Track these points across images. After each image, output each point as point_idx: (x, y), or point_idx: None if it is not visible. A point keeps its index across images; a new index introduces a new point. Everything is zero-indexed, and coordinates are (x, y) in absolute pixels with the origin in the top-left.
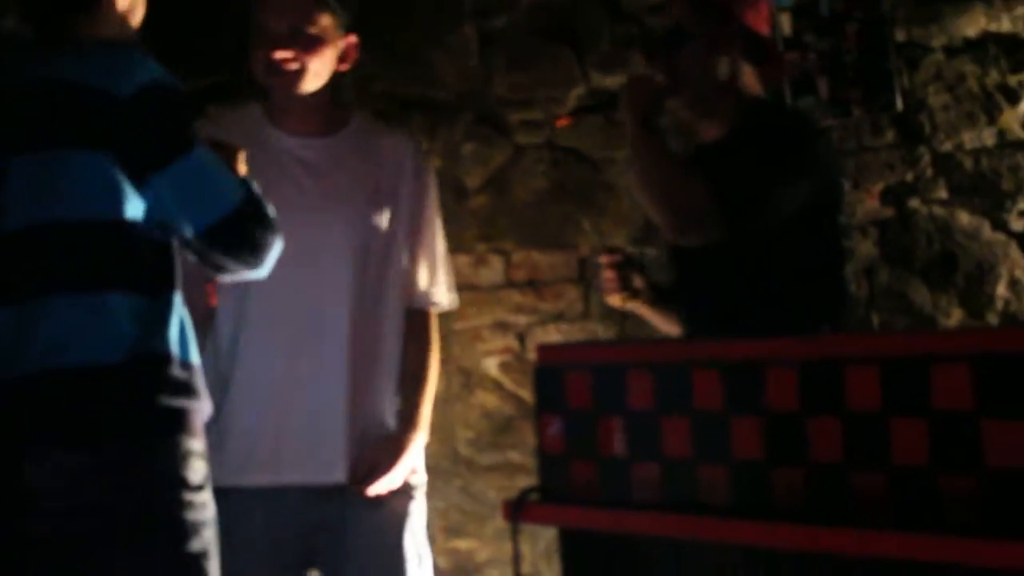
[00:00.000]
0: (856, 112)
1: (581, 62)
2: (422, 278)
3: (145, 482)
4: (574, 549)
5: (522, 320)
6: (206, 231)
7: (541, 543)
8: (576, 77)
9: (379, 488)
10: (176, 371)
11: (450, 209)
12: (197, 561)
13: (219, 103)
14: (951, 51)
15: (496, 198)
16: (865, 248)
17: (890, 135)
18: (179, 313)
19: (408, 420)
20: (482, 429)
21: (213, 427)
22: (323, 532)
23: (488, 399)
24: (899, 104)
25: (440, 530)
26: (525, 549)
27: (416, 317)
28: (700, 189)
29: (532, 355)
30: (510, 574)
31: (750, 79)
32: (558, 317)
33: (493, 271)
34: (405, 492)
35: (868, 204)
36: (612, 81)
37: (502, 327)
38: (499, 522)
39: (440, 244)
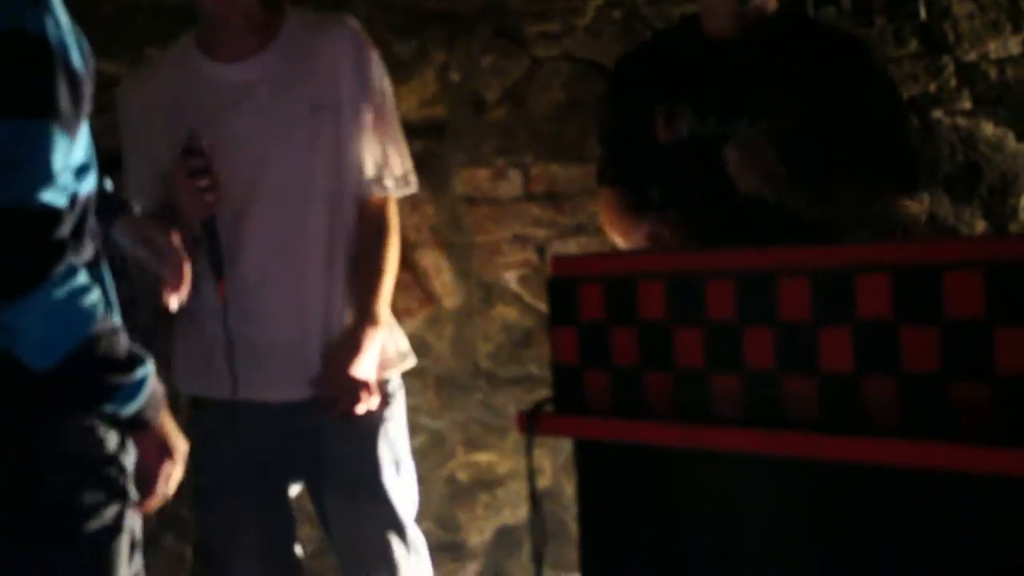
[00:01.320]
0: (879, 21)
1: None
2: (368, 167)
3: (35, 462)
4: (589, 459)
5: (541, 233)
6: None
7: (561, 456)
8: None
9: (346, 400)
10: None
11: (468, 123)
12: (98, 542)
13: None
14: None
15: (514, 111)
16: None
17: (913, 45)
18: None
19: (362, 315)
20: (502, 342)
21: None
22: (300, 443)
23: (508, 312)
24: (922, 13)
25: (460, 443)
26: (545, 462)
27: (367, 208)
28: (875, 182)
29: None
30: (524, 490)
31: None
32: (577, 230)
33: (512, 184)
34: (375, 388)
35: None
36: None
37: (521, 240)
38: (519, 435)
39: (391, 130)
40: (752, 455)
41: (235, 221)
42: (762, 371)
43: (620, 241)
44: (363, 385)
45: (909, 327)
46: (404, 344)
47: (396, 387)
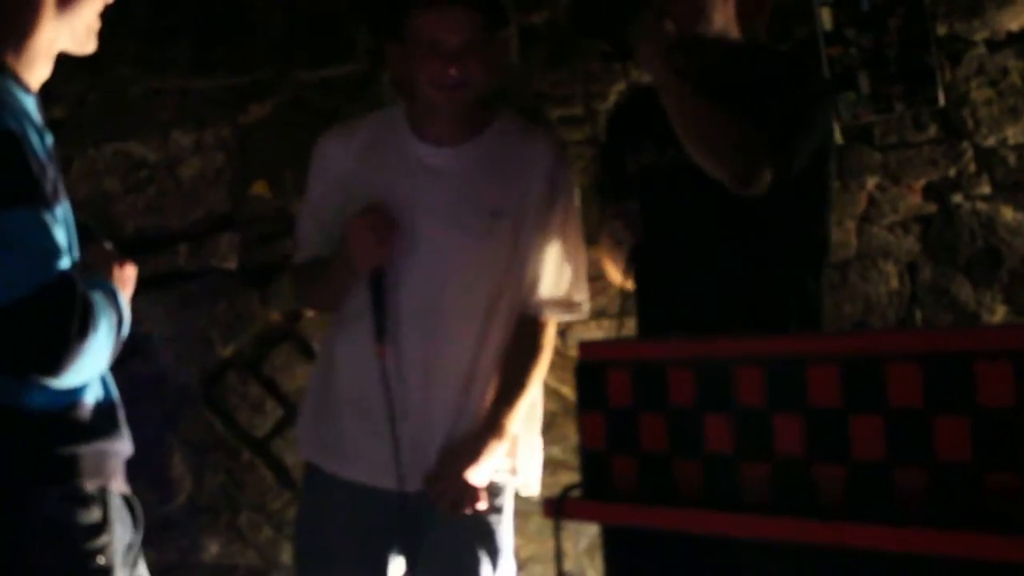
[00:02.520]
0: (898, 107)
1: (621, 58)
2: (543, 286)
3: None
4: (617, 546)
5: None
6: None
7: (584, 540)
8: (616, 73)
9: (450, 499)
10: (24, 427)
11: None
12: None
13: (353, 95)
14: (993, 45)
15: None
16: (908, 244)
17: (932, 130)
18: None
19: (491, 425)
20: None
21: (313, 401)
22: (404, 525)
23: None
24: (941, 99)
25: None
26: (567, 546)
27: (527, 325)
28: (756, 135)
29: (573, 352)
30: (553, 571)
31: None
32: (599, 314)
33: None
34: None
35: (911, 200)
36: None
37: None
38: (541, 519)
39: (572, 251)
40: (782, 543)
41: (396, 296)
42: (792, 458)
43: (614, 276)
44: (474, 491)
45: (941, 416)
46: (532, 467)
47: (505, 483)
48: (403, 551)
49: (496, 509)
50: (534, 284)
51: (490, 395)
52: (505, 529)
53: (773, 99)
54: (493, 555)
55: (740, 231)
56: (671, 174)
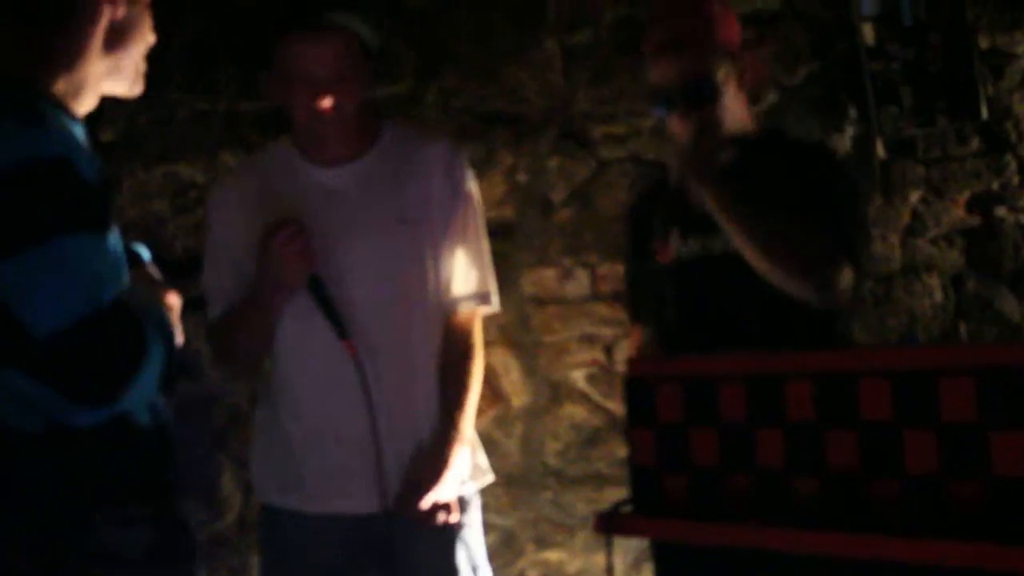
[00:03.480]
0: (941, 121)
1: None
2: (456, 283)
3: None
4: (668, 561)
5: (608, 332)
6: (40, 344)
7: (631, 555)
8: None
9: (424, 509)
10: (88, 449)
11: (536, 223)
12: None
13: (401, 112)
14: None
15: (581, 212)
16: (952, 257)
17: (975, 143)
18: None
19: (448, 432)
20: (570, 441)
21: (263, 443)
22: (371, 552)
23: (576, 411)
24: (984, 112)
25: (530, 541)
26: (616, 560)
27: (453, 325)
28: (820, 241)
29: (619, 367)
30: None
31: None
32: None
33: (579, 284)
34: (454, 500)
35: (954, 213)
36: None
37: (589, 339)
38: (588, 533)
39: (477, 246)
40: (833, 558)
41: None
42: (844, 472)
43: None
44: (445, 504)
45: (996, 431)
46: (484, 460)
47: (472, 495)
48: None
49: (465, 513)
50: (448, 283)
51: (435, 398)
52: (477, 534)
53: (824, 200)
54: (472, 564)
55: (775, 318)
56: (701, 264)
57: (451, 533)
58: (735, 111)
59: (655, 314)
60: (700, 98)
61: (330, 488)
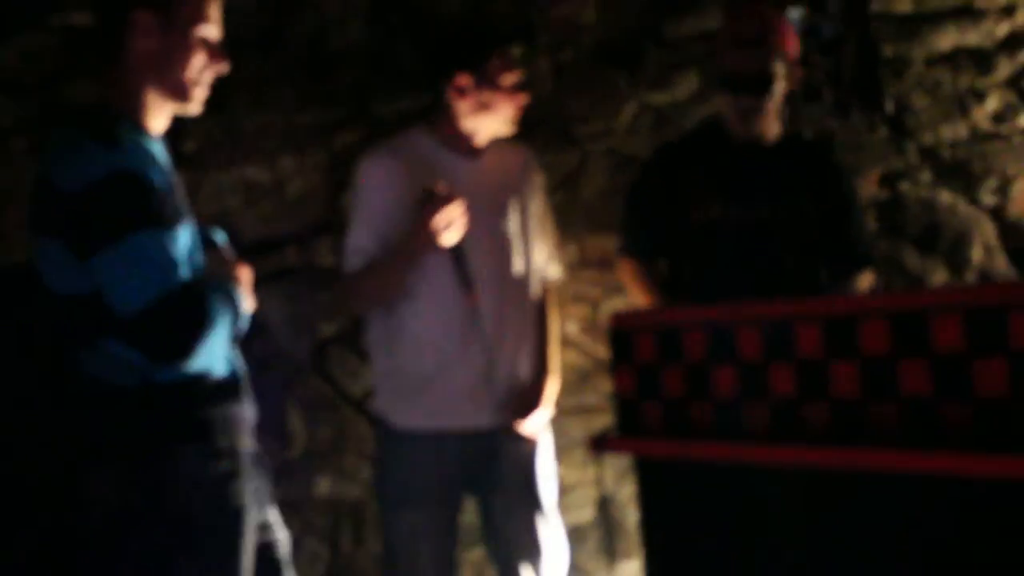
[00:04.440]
0: (854, 115)
1: (634, 83)
2: (543, 259)
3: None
4: (646, 473)
5: (595, 292)
6: (126, 320)
7: (617, 468)
8: (630, 95)
9: (532, 427)
10: (166, 398)
11: None
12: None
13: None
14: (929, 62)
15: (569, 195)
16: (868, 223)
17: (882, 132)
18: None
19: (547, 368)
20: (567, 379)
21: (387, 379)
22: (480, 461)
23: (570, 356)
24: (889, 107)
25: None
26: (605, 473)
27: (542, 291)
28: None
29: (602, 319)
30: (593, 492)
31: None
32: (622, 289)
33: (570, 253)
34: (544, 423)
35: (868, 188)
36: (659, 98)
37: (580, 299)
38: (581, 452)
39: (550, 231)
40: (776, 467)
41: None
42: (785, 397)
43: (638, 298)
44: (544, 423)
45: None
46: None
47: (548, 416)
48: (473, 484)
49: (548, 437)
50: (539, 259)
51: (531, 342)
52: (551, 449)
53: (848, 204)
54: (549, 470)
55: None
56: (736, 230)
57: (537, 447)
58: (777, 107)
59: (670, 266)
60: (761, 89)
61: (454, 409)
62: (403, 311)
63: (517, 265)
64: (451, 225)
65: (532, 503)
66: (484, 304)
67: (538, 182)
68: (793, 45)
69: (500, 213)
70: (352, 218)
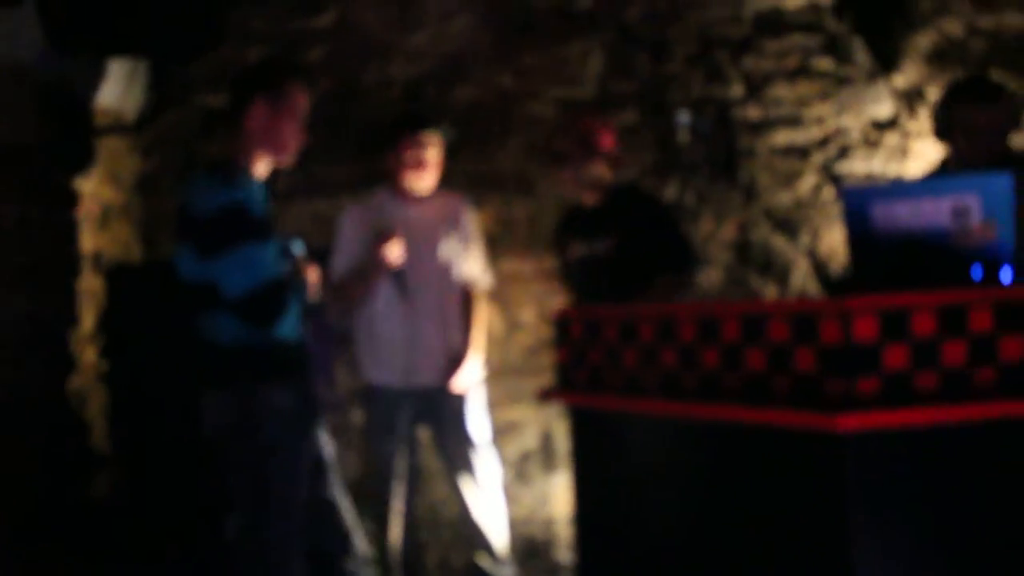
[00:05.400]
0: (720, 183)
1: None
2: (473, 271)
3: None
4: (576, 417)
5: (544, 292)
6: (233, 300)
7: (549, 413)
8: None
9: (459, 384)
10: (258, 353)
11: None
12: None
13: None
14: (770, 152)
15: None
16: (725, 258)
17: (738, 195)
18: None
19: (473, 346)
20: (523, 350)
21: (365, 348)
22: (426, 406)
23: (525, 336)
24: (742, 179)
25: (501, 404)
26: (549, 415)
27: (472, 292)
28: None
29: (550, 312)
30: (538, 428)
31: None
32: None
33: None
34: (473, 382)
35: (727, 233)
36: None
37: (534, 297)
38: (535, 401)
39: (481, 251)
40: (664, 417)
41: (413, 281)
42: (669, 369)
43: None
44: (471, 380)
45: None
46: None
47: (479, 378)
48: (424, 421)
49: (478, 393)
50: (468, 270)
51: (461, 332)
52: (482, 400)
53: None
54: (479, 415)
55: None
56: (591, 260)
57: (470, 397)
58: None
59: (571, 288)
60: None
61: (401, 371)
62: (369, 309)
63: (447, 275)
64: (393, 253)
65: (463, 437)
66: (420, 302)
67: (471, 219)
68: (608, 141)
69: (436, 240)
70: (335, 248)
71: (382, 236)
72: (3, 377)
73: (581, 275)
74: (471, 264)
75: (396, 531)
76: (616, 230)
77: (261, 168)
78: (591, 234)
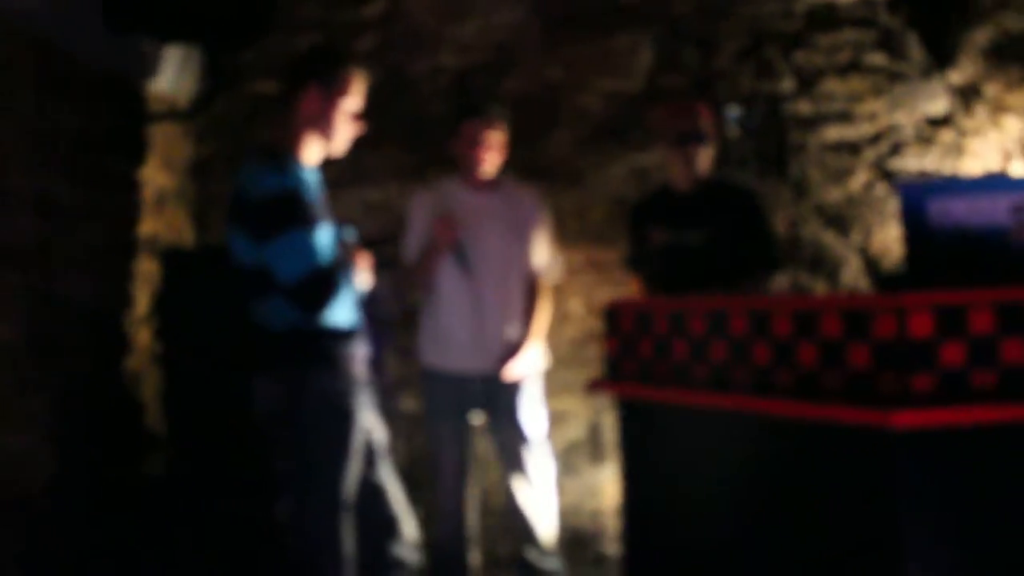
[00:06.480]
0: (769, 179)
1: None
2: (541, 262)
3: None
4: (624, 408)
5: (592, 284)
6: (285, 286)
7: (598, 404)
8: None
9: (514, 373)
10: (310, 337)
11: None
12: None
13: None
14: (821, 148)
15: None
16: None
17: (787, 192)
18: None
19: (532, 334)
20: (571, 342)
21: (427, 333)
22: (482, 393)
23: (573, 328)
24: (792, 175)
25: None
26: (597, 407)
27: (539, 282)
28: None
29: (599, 305)
30: (586, 419)
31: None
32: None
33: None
34: (529, 372)
35: (777, 228)
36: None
37: (581, 289)
38: (583, 392)
39: (551, 244)
40: (718, 411)
41: (477, 268)
42: (720, 363)
43: (638, 289)
44: (527, 369)
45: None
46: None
47: (540, 367)
48: (481, 407)
49: (536, 379)
50: (536, 261)
51: (522, 319)
52: (539, 389)
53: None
54: (536, 403)
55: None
56: (679, 249)
57: (526, 386)
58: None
59: (648, 274)
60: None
61: (459, 356)
62: (434, 293)
63: (512, 264)
64: (449, 233)
65: (517, 428)
66: (483, 288)
67: (540, 210)
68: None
69: (502, 229)
70: (406, 230)
71: (440, 216)
72: (69, 358)
73: (663, 263)
74: (538, 255)
75: (445, 518)
76: (710, 222)
77: (313, 155)
78: (681, 222)
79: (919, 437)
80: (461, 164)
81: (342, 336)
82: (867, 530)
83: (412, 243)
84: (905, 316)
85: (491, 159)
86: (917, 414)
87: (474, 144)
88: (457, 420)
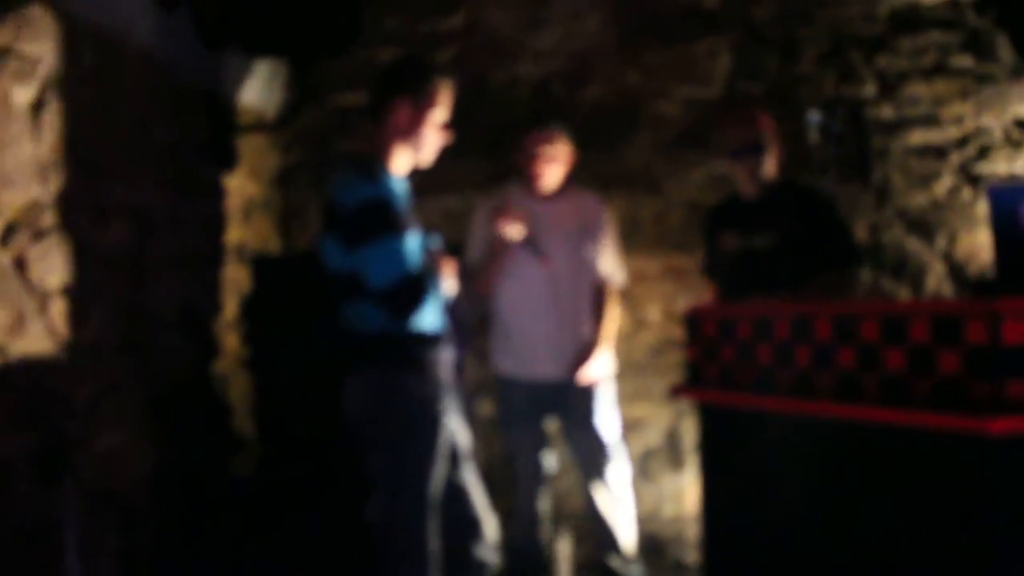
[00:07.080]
0: (852, 185)
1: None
2: (607, 268)
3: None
4: (705, 414)
5: (672, 291)
6: (376, 291)
7: (676, 410)
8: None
9: (586, 378)
10: (399, 341)
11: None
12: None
13: None
14: (904, 152)
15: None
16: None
17: (870, 197)
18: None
19: (601, 340)
20: (649, 349)
21: (498, 341)
22: (554, 400)
23: (649, 335)
24: (875, 180)
25: (625, 402)
26: (674, 413)
27: (605, 289)
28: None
29: (679, 311)
30: (664, 424)
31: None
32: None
33: (656, 265)
34: (602, 376)
35: (858, 235)
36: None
37: (661, 295)
38: (660, 399)
39: (616, 249)
40: (804, 417)
41: (544, 274)
42: (804, 368)
43: (711, 291)
44: (598, 373)
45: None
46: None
47: (610, 370)
48: (556, 412)
49: (608, 383)
50: (603, 267)
51: (592, 324)
52: (612, 393)
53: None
54: (608, 408)
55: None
56: (747, 253)
57: (598, 390)
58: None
59: (721, 280)
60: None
61: (532, 362)
62: (502, 300)
63: (579, 271)
64: (514, 228)
65: (592, 433)
66: (551, 295)
67: (606, 216)
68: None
69: (567, 236)
70: (469, 242)
71: (502, 210)
72: (161, 360)
73: (734, 268)
74: (605, 261)
75: (521, 522)
76: (778, 225)
77: (403, 165)
78: (750, 227)
79: (1015, 444)
80: (523, 176)
81: (429, 341)
82: (959, 538)
83: (474, 254)
84: (999, 322)
85: (550, 172)
86: (1013, 420)
87: (533, 157)
88: (532, 426)
